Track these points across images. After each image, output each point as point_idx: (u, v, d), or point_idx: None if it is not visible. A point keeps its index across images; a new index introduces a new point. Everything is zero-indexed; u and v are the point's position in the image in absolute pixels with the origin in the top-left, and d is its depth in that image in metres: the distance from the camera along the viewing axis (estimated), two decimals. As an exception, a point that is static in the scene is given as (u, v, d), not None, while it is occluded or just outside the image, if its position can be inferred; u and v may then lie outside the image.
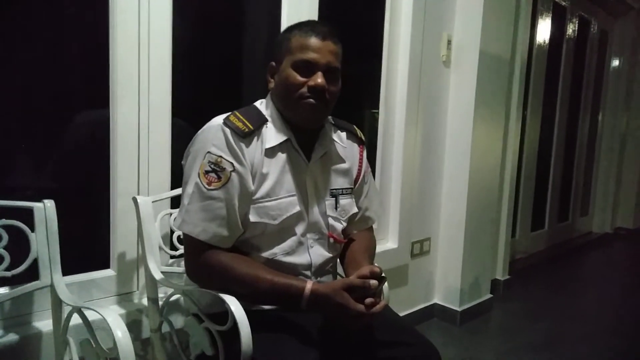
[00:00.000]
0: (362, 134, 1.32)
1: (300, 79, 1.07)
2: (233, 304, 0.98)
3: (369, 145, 2.17)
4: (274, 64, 1.14)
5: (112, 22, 1.35)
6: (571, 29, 3.95)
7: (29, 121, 1.36)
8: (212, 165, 1.04)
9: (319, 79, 1.06)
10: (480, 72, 2.35)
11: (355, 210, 1.26)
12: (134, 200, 1.34)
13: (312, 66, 1.07)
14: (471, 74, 2.36)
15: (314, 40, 1.07)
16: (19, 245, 1.14)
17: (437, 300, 2.58)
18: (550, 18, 3.54)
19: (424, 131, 2.33)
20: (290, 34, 1.11)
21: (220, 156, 1.04)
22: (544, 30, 3.49)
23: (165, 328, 1.27)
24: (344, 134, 1.26)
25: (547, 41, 3.54)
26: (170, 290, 1.22)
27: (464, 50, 2.38)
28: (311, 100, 1.07)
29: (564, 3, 3.78)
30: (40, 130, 1.38)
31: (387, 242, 2.30)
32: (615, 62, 4.63)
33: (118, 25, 1.35)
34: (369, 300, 0.97)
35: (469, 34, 2.36)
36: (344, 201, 1.22)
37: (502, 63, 2.54)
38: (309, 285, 1.00)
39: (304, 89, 1.07)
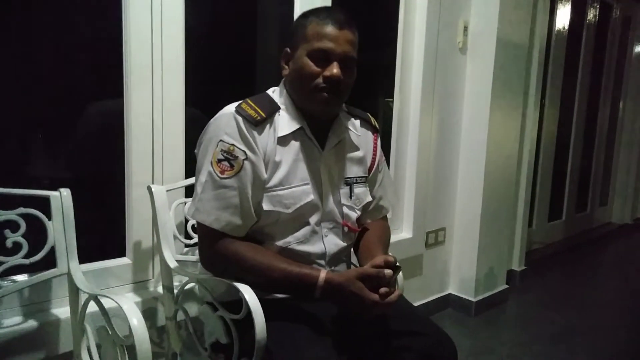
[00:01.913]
0: (376, 122, 1.30)
1: (315, 68, 1.05)
2: (247, 292, 0.98)
3: (384, 134, 2.15)
4: (288, 50, 1.12)
5: (125, 12, 1.35)
6: (592, 14, 3.84)
7: (45, 112, 1.37)
8: (224, 154, 1.03)
9: (334, 69, 1.04)
10: (497, 59, 2.31)
11: (370, 199, 1.25)
12: (149, 189, 1.34)
13: (328, 55, 1.05)
14: (488, 61, 2.32)
15: (331, 29, 1.05)
16: (37, 234, 1.15)
17: (451, 290, 2.56)
18: (570, 3, 3.44)
19: (440, 119, 2.30)
20: (306, 21, 1.08)
21: (233, 144, 1.03)
22: (563, 15, 3.40)
23: (180, 316, 1.28)
24: (357, 122, 1.25)
25: (566, 27, 3.45)
26: (185, 279, 1.23)
27: (481, 36, 2.33)
28: (325, 93, 1.06)
29: (585, -13, 3.68)
30: (56, 120, 1.40)
31: (402, 232, 2.29)
32: (638, 48, 4.50)
33: (131, 15, 1.34)
34: (383, 289, 0.97)
35: (485, 20, 2.31)
36: (359, 190, 1.21)
37: (520, 50, 2.48)
38: (323, 274, 0.99)
39: (319, 80, 1.06)
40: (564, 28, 3.43)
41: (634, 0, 4.35)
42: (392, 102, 2.21)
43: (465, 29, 2.34)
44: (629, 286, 3.12)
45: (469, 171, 2.43)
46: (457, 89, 2.39)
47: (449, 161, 2.42)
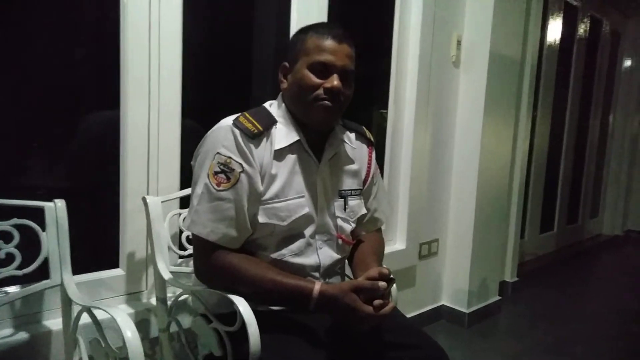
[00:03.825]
0: (371, 135, 1.31)
1: (316, 80, 1.07)
2: (241, 304, 0.98)
3: (377, 145, 2.16)
4: (287, 64, 1.14)
5: (123, 23, 1.36)
6: (582, 29, 3.91)
7: (41, 122, 1.37)
8: (221, 166, 1.04)
9: (335, 81, 1.06)
10: (490, 72, 2.34)
11: (364, 211, 1.26)
12: (144, 200, 1.34)
13: (329, 68, 1.07)
14: (481, 75, 2.35)
15: (330, 43, 1.07)
16: (30, 245, 1.15)
17: (444, 302, 2.56)
18: (561, 18, 3.51)
19: (433, 132, 2.32)
20: (305, 35, 1.10)
21: (230, 157, 1.04)
22: (554, 30, 3.46)
23: (174, 328, 1.27)
24: (353, 135, 1.26)
25: (557, 41, 3.51)
26: (179, 290, 1.22)
27: (474, 50, 2.37)
28: (327, 102, 1.07)
29: (575, 3, 3.74)
30: (51, 130, 1.40)
31: (395, 244, 2.29)
32: (627, 62, 4.59)
33: (129, 26, 1.35)
34: (377, 301, 0.97)
35: (479, 34, 2.35)
36: (353, 202, 1.22)
37: (512, 63, 2.52)
38: (317, 286, 1.00)
39: (320, 91, 1.07)
40: (555, 42, 3.48)
41: (623, 15, 4.44)
42: (387, 113, 2.23)
43: (459, 43, 2.37)
44: (620, 297, 3.14)
45: (461, 183, 2.45)
46: (451, 102, 2.41)
47: (442, 173, 2.44)
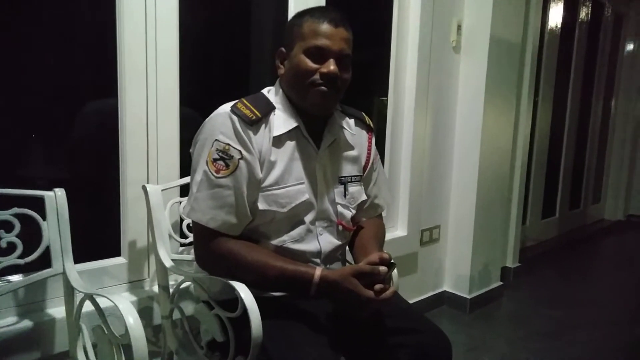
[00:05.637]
0: (370, 121, 1.30)
1: (312, 65, 1.06)
2: (243, 291, 0.98)
3: (378, 132, 2.16)
4: (283, 49, 1.13)
5: (119, 12, 1.35)
6: (584, 12, 3.87)
7: (40, 111, 1.37)
8: (220, 153, 1.04)
9: (331, 66, 1.05)
10: (490, 57, 2.32)
11: (364, 197, 1.26)
12: (144, 188, 1.34)
13: (325, 53, 1.06)
14: (481, 60, 2.33)
15: (326, 27, 1.06)
16: (31, 234, 1.15)
17: (446, 287, 2.57)
18: (562, 1, 3.47)
19: (434, 118, 2.31)
20: (301, 20, 1.09)
21: (228, 144, 1.04)
22: (556, 14, 3.42)
23: (176, 315, 1.28)
24: (352, 121, 1.25)
25: (559, 25, 3.47)
26: (181, 278, 1.23)
27: (474, 35, 2.34)
28: (323, 87, 1.06)
29: (577, -15, 3.70)
30: (50, 120, 1.39)
31: (397, 230, 2.30)
32: (630, 46, 4.54)
33: (125, 15, 1.34)
34: (378, 286, 0.97)
35: (479, 19, 2.32)
36: (353, 188, 1.22)
37: (513, 48, 2.50)
38: (318, 271, 1.00)
39: (316, 76, 1.06)
40: (556, 26, 3.45)
41: (625, -2, 4.39)
42: (387, 100, 2.22)
43: (459, 28, 2.35)
44: (621, 282, 3.15)
45: (463, 169, 2.45)
46: (451, 88, 2.40)
47: (443, 159, 2.43)
